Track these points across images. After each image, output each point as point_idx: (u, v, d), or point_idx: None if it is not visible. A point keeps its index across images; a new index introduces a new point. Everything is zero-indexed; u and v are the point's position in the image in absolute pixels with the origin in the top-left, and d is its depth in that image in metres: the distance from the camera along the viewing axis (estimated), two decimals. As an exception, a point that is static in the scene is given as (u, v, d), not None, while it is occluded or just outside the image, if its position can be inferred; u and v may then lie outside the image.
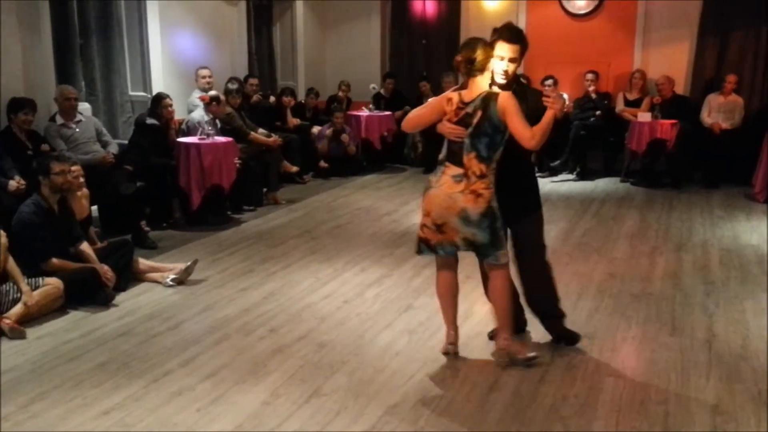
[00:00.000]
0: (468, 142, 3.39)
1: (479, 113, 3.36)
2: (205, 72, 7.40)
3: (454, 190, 3.41)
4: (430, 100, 3.66)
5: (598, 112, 8.60)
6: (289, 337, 3.89)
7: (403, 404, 3.17)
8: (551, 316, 3.81)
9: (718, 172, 8.24)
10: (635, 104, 8.69)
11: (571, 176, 8.75)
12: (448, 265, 3.65)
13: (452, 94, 3.49)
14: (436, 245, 3.54)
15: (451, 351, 3.67)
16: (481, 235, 3.43)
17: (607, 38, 9.11)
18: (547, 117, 3.31)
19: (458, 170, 3.42)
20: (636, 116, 8.32)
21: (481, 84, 3.41)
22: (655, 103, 8.35)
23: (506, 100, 3.35)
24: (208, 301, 4.43)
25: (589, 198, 7.63)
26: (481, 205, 3.38)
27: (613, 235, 6.11)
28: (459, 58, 3.39)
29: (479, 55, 3.35)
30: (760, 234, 6.16)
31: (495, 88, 3.41)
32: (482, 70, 3.39)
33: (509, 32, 3.47)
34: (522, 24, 9.48)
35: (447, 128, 3.45)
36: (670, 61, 8.80)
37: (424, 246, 3.60)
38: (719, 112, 8.32)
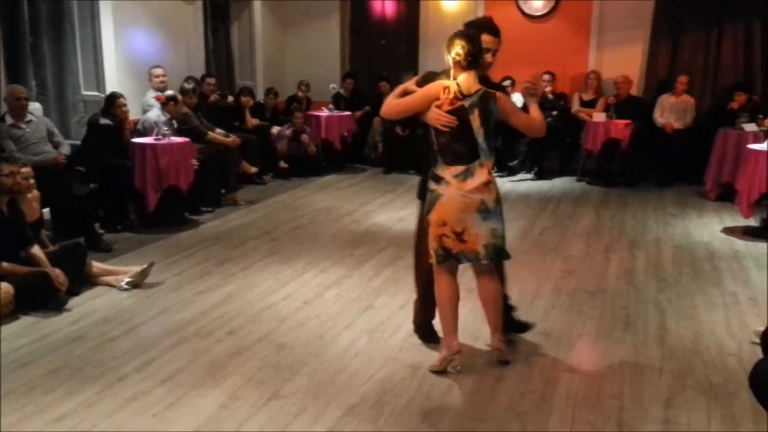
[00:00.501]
0: (485, 146, 3.37)
1: (476, 111, 3.34)
2: (158, 71, 7.29)
3: (466, 187, 3.37)
4: (419, 88, 3.46)
5: (554, 113, 8.73)
6: (248, 339, 3.86)
7: (362, 404, 3.17)
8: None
9: (671, 171, 8.45)
10: (590, 105, 8.85)
11: (528, 176, 8.88)
12: (452, 270, 3.53)
13: (448, 83, 3.40)
14: (459, 254, 3.44)
15: (454, 366, 3.49)
16: (500, 228, 3.44)
17: (563, 39, 9.25)
18: (534, 106, 3.49)
19: (459, 168, 3.37)
20: (591, 116, 8.47)
21: (474, 78, 3.39)
22: (610, 104, 8.52)
23: (505, 100, 3.45)
24: (165, 305, 4.37)
25: (546, 197, 7.74)
26: (493, 192, 3.43)
27: (570, 233, 6.21)
28: (462, 51, 3.33)
29: (478, 48, 3.37)
30: (711, 231, 6.33)
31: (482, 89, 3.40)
32: (478, 63, 3.40)
33: (493, 25, 3.59)
34: (480, 25, 9.59)
35: (437, 116, 3.34)
36: (623, 62, 8.98)
37: (443, 255, 3.44)
38: (671, 112, 8.52)
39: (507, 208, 7.15)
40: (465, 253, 3.45)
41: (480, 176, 3.38)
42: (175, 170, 6.09)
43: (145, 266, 4.72)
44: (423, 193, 3.59)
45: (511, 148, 8.81)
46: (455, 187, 3.37)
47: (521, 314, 4.07)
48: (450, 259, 3.47)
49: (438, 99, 3.38)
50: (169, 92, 6.65)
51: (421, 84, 3.52)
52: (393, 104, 3.49)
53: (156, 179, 6.02)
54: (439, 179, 3.42)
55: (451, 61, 3.41)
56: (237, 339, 3.85)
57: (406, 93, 3.50)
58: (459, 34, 3.41)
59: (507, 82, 8.75)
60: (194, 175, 6.30)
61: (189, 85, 7.08)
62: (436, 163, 3.43)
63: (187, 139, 6.38)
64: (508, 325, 3.80)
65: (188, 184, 6.24)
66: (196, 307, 4.32)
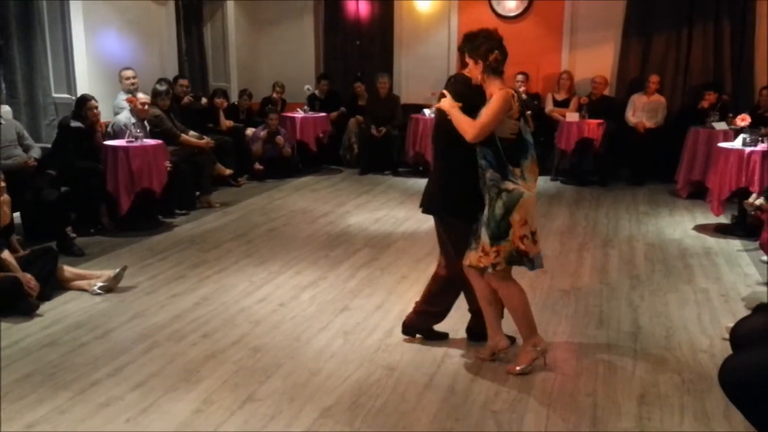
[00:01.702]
0: (532, 142, 3.43)
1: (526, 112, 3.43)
2: (128, 73, 7.19)
3: (532, 187, 3.39)
4: (492, 101, 3.32)
5: (528, 113, 8.76)
6: (223, 342, 3.83)
7: (338, 406, 3.16)
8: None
9: (643, 170, 8.56)
10: (564, 104, 8.92)
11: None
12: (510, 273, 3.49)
13: (511, 90, 3.39)
14: (534, 257, 3.41)
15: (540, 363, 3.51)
16: None
17: (536, 40, 9.31)
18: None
19: (518, 170, 3.36)
20: (564, 116, 8.54)
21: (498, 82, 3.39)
22: (583, 104, 8.60)
23: None
24: (138, 309, 4.32)
25: (521, 196, 7.79)
26: None
27: (544, 232, 6.24)
28: (501, 58, 3.35)
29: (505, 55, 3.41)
30: (683, 228, 6.42)
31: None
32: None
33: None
34: (454, 26, 9.64)
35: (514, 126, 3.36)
36: (596, 62, 9.07)
37: (516, 258, 3.38)
38: (643, 111, 8.62)
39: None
40: (539, 255, 3.45)
41: (534, 174, 3.42)
42: (148, 173, 6.03)
43: (118, 270, 4.66)
44: (451, 206, 3.53)
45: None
46: (525, 187, 3.35)
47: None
48: (521, 263, 3.40)
49: (512, 108, 3.34)
50: (141, 95, 6.56)
51: (464, 92, 3.42)
52: (480, 126, 3.29)
53: (128, 182, 5.95)
54: (515, 178, 3.34)
55: (483, 66, 3.37)
56: (211, 342, 3.82)
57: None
58: (496, 40, 3.39)
59: None
60: (167, 177, 6.24)
61: (162, 87, 7.00)
62: (505, 165, 3.35)
63: (159, 142, 6.32)
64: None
65: (161, 187, 6.18)
66: (170, 311, 4.28)
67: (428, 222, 6.54)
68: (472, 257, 3.45)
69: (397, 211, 7.05)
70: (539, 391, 3.30)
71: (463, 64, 3.54)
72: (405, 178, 8.89)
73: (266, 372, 3.47)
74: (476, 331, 3.79)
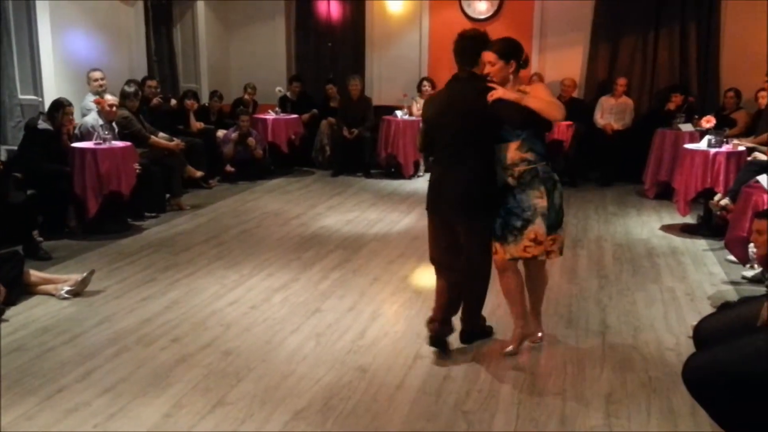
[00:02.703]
0: None
1: None
2: (96, 74, 7.09)
3: None
4: (540, 87, 3.63)
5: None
6: (193, 346, 3.80)
7: (310, 408, 3.16)
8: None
9: (612, 171, 8.68)
10: (534, 106, 8.99)
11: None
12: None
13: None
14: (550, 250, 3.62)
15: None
16: None
17: (507, 42, 9.38)
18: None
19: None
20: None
21: None
22: (553, 105, 8.68)
23: None
24: (107, 313, 4.26)
25: (492, 197, 7.85)
26: None
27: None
28: (525, 55, 3.57)
29: None
30: (650, 228, 6.53)
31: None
32: None
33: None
34: (425, 27, 9.69)
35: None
36: (565, 64, 9.18)
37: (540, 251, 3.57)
38: (611, 113, 8.75)
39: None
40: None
41: None
42: (117, 175, 5.96)
43: (85, 274, 4.60)
44: (487, 204, 3.56)
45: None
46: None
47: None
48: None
49: None
50: (109, 96, 6.48)
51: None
52: (559, 105, 3.49)
53: (97, 184, 5.87)
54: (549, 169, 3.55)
55: (515, 66, 3.52)
56: (181, 346, 3.79)
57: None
58: (511, 39, 3.59)
59: None
60: (137, 179, 6.17)
61: (130, 89, 6.92)
62: (548, 156, 3.57)
63: (128, 144, 6.25)
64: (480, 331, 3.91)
65: (130, 189, 6.10)
66: (139, 315, 4.23)
67: (400, 223, 6.60)
68: (512, 250, 3.54)
69: (370, 213, 7.06)
70: (509, 390, 3.33)
71: (471, 65, 3.56)
72: (377, 180, 8.90)
73: (237, 375, 3.45)
74: (469, 332, 3.86)
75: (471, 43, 3.55)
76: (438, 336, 3.71)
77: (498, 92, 3.39)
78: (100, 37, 7.76)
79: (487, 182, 3.55)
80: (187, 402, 3.19)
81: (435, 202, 3.71)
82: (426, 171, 9.33)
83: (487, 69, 3.49)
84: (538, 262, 3.67)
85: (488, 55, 3.49)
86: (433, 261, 3.83)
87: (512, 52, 3.52)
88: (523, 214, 3.50)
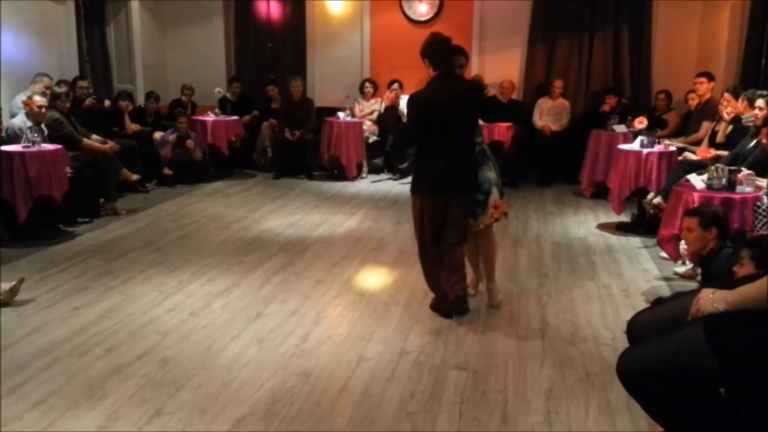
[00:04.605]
0: None
1: None
2: (46, 81, 6.82)
3: None
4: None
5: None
6: (129, 355, 3.68)
7: (251, 415, 3.10)
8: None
9: (550, 171, 8.87)
10: (474, 108, 9.10)
11: (418, 178, 9.02)
12: None
13: None
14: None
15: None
16: None
17: (447, 44, 9.47)
18: None
19: None
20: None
21: None
22: (492, 107, 8.81)
23: None
24: (37, 323, 4.09)
25: (434, 198, 7.90)
26: None
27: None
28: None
29: None
30: (587, 227, 6.69)
31: None
32: None
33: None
34: (366, 29, 9.69)
35: None
36: (504, 66, 9.33)
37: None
38: (549, 115, 8.94)
39: (399, 211, 7.32)
40: None
41: None
42: (47, 179, 5.74)
43: (14, 283, 4.41)
44: (475, 183, 4.24)
45: (403, 151, 8.95)
46: None
47: (414, 314, 4.22)
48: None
49: None
50: (37, 98, 6.23)
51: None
52: None
53: (26, 189, 5.64)
54: None
55: (457, 69, 4.25)
56: (116, 356, 3.67)
57: None
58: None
59: (395, 85, 8.89)
60: (69, 184, 5.96)
61: (60, 89, 6.68)
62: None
63: (59, 146, 6.03)
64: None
65: (62, 194, 5.89)
66: (72, 325, 4.08)
67: (343, 226, 6.57)
68: (485, 220, 4.28)
69: (312, 215, 7.01)
70: (452, 390, 3.35)
71: (448, 66, 4.14)
72: (320, 182, 8.85)
73: (176, 384, 3.37)
74: (447, 306, 4.28)
75: (445, 47, 4.12)
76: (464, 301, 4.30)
77: (491, 91, 4.33)
78: (28, 36, 7.47)
79: (476, 164, 4.26)
80: (123, 413, 3.09)
81: (439, 186, 4.14)
82: (369, 172, 9.34)
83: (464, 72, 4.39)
84: (487, 231, 4.34)
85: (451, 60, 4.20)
86: (426, 246, 4.26)
87: (424, 52, 4.10)
88: (482, 188, 4.23)
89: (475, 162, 4.22)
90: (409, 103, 4.24)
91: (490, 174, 4.25)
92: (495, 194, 4.25)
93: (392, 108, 8.24)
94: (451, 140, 4.10)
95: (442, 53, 4.10)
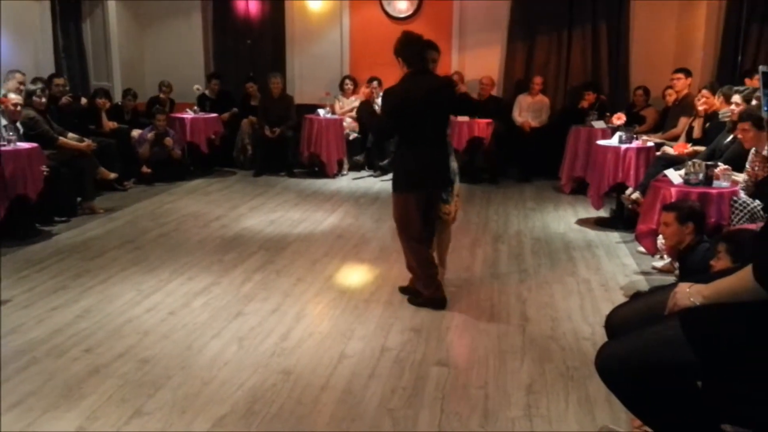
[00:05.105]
0: None
1: None
2: (19, 77, 6.71)
3: None
4: None
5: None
6: (108, 355, 3.65)
7: (232, 414, 3.08)
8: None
9: (530, 167, 8.91)
10: (455, 104, 9.12)
11: (398, 174, 9.03)
12: None
13: None
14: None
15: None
16: None
17: (427, 41, 9.47)
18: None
19: None
20: (456, 116, 8.73)
21: None
22: (472, 103, 8.85)
23: None
24: (13, 324, 4.03)
25: (415, 195, 7.90)
26: None
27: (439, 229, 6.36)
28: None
29: None
30: (567, 223, 6.73)
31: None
32: None
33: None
34: (345, 25, 9.67)
35: None
36: (484, 63, 9.35)
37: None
38: (528, 111, 8.98)
39: (380, 207, 7.31)
40: None
41: None
42: (23, 178, 5.66)
43: (-11, 283, 4.35)
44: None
45: (383, 148, 8.95)
46: None
47: (395, 311, 4.22)
48: None
49: None
50: (13, 95, 6.14)
51: None
52: None
53: (1, 189, 5.54)
54: None
55: (401, 62, 4.23)
56: (95, 356, 3.63)
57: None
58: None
59: (375, 83, 8.87)
60: (45, 182, 5.88)
61: (36, 87, 6.58)
62: None
63: (35, 145, 5.94)
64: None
65: (38, 193, 5.80)
66: (49, 325, 4.03)
67: (324, 223, 6.56)
68: (452, 208, 4.57)
69: (293, 213, 6.98)
70: (433, 385, 3.36)
71: (421, 62, 4.23)
72: (300, 179, 8.83)
73: (155, 384, 3.34)
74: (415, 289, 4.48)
75: (418, 46, 4.22)
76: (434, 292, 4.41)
77: (463, 87, 4.60)
78: (2, 33, 7.35)
79: (449, 156, 4.47)
80: (102, 414, 3.06)
81: (424, 179, 4.31)
82: (349, 169, 9.33)
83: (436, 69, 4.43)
84: (448, 220, 4.62)
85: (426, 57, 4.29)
86: (416, 239, 4.37)
87: (398, 51, 4.22)
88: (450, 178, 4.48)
89: (448, 154, 4.47)
90: (384, 98, 4.30)
91: (454, 164, 4.53)
92: (457, 182, 4.58)
93: (367, 102, 8.23)
94: (428, 134, 4.24)
95: (415, 52, 4.21)
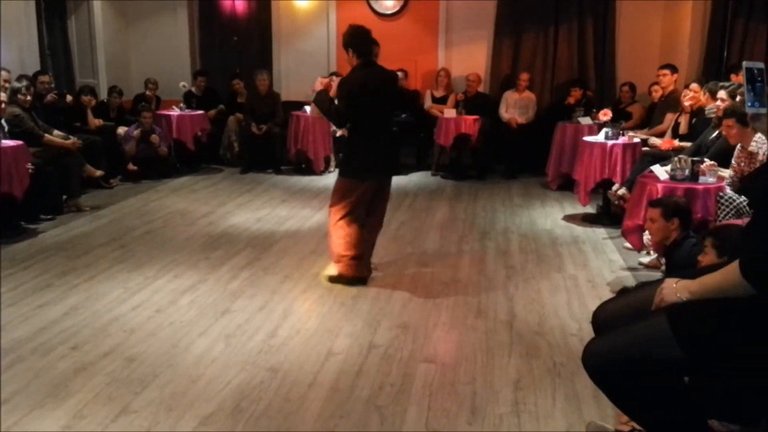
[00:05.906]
0: None
1: None
2: (4, 74, 6.65)
3: None
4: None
5: (403, 115, 8.88)
6: (94, 353, 3.62)
7: (219, 412, 3.07)
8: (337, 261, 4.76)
9: (517, 164, 8.94)
10: (442, 101, 9.15)
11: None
12: None
13: None
14: None
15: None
16: None
17: (413, 38, 9.49)
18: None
19: None
20: (443, 112, 8.75)
21: None
22: (459, 100, 8.85)
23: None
24: (-2, 323, 4.01)
25: (403, 192, 7.89)
26: None
27: (426, 227, 6.39)
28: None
29: None
30: (554, 219, 6.76)
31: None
32: None
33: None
34: (332, 22, 9.65)
35: None
36: (470, 60, 9.36)
37: None
38: (515, 107, 9.00)
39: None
40: None
41: None
42: (8, 176, 5.60)
43: (-27, 282, 4.30)
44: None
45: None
46: None
47: (383, 307, 4.22)
48: None
49: None
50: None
51: None
52: None
53: (-15, 186, 5.51)
54: None
55: (351, 54, 4.48)
56: (81, 354, 3.61)
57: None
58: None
59: (333, 76, 8.83)
60: (30, 180, 5.83)
61: (21, 84, 6.52)
62: None
63: (20, 143, 5.89)
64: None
65: (23, 191, 5.76)
66: (35, 323, 4.00)
67: (311, 220, 6.55)
68: None
69: (280, 210, 6.97)
70: (421, 382, 3.36)
71: (369, 54, 4.55)
72: (287, 176, 8.80)
73: (142, 382, 3.32)
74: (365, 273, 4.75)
75: (367, 38, 4.49)
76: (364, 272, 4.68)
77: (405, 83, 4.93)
78: (-15, 30, 7.28)
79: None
80: (88, 412, 3.04)
81: (376, 167, 4.53)
82: (336, 166, 9.30)
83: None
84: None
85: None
86: (359, 222, 4.56)
87: (348, 42, 4.47)
88: None
89: (398, 143, 4.79)
90: (340, 87, 4.51)
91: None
92: None
93: (325, 92, 8.17)
94: (381, 123, 4.54)
95: (365, 43, 4.49)
